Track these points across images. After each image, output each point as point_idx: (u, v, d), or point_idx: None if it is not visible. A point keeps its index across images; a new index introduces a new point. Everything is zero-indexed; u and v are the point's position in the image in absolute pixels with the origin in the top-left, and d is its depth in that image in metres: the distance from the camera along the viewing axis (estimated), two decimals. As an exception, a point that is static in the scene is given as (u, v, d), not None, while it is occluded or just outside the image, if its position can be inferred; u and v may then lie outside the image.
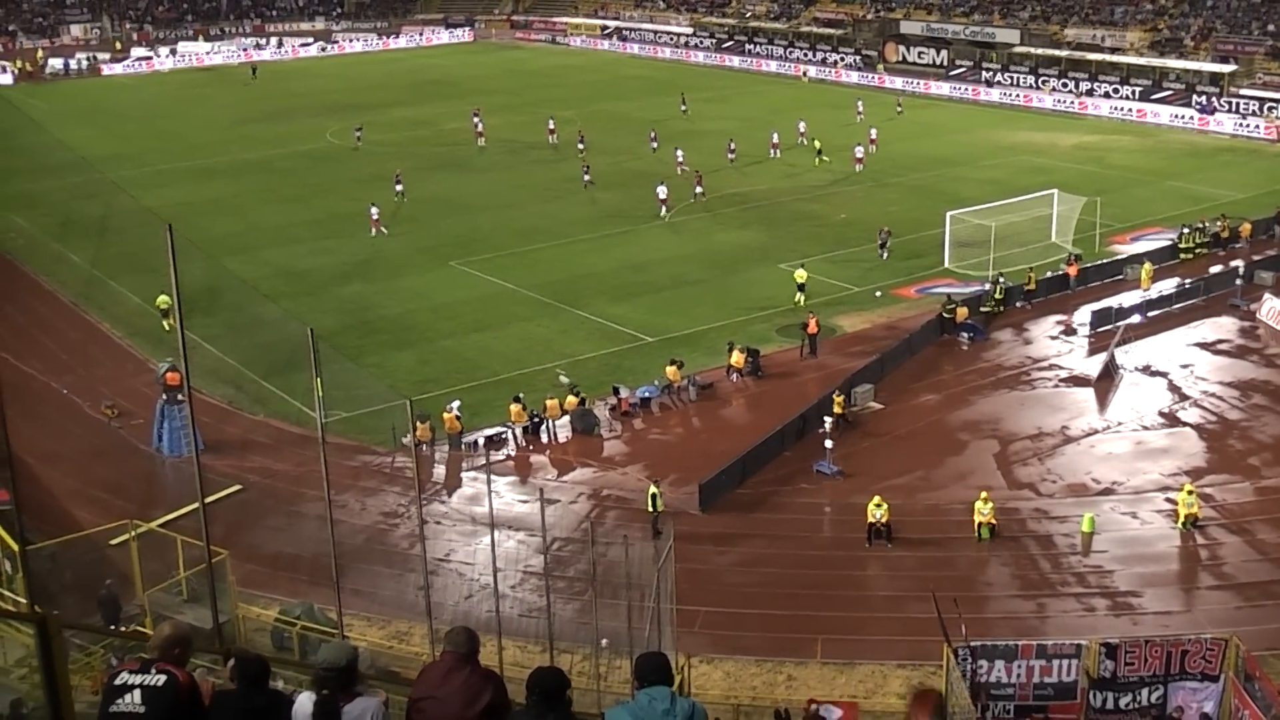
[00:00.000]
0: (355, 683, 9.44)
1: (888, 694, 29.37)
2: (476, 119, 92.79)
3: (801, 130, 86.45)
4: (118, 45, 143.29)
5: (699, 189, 71.95)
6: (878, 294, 55.60)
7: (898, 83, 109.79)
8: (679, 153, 79.85)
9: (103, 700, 8.72)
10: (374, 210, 66.82)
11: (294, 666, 21.88)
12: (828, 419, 40.79)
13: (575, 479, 41.58)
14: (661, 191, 69.15)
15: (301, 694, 9.52)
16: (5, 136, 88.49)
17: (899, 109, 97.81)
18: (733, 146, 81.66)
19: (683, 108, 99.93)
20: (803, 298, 54.26)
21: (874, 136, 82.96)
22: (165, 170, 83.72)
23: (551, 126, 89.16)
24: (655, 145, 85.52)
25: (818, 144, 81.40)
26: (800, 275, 54.91)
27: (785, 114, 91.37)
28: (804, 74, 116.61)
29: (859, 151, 79.17)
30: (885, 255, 59.39)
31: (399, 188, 74.23)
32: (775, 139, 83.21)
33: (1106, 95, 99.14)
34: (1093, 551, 35.69)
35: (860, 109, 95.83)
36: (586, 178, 76.07)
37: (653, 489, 37.42)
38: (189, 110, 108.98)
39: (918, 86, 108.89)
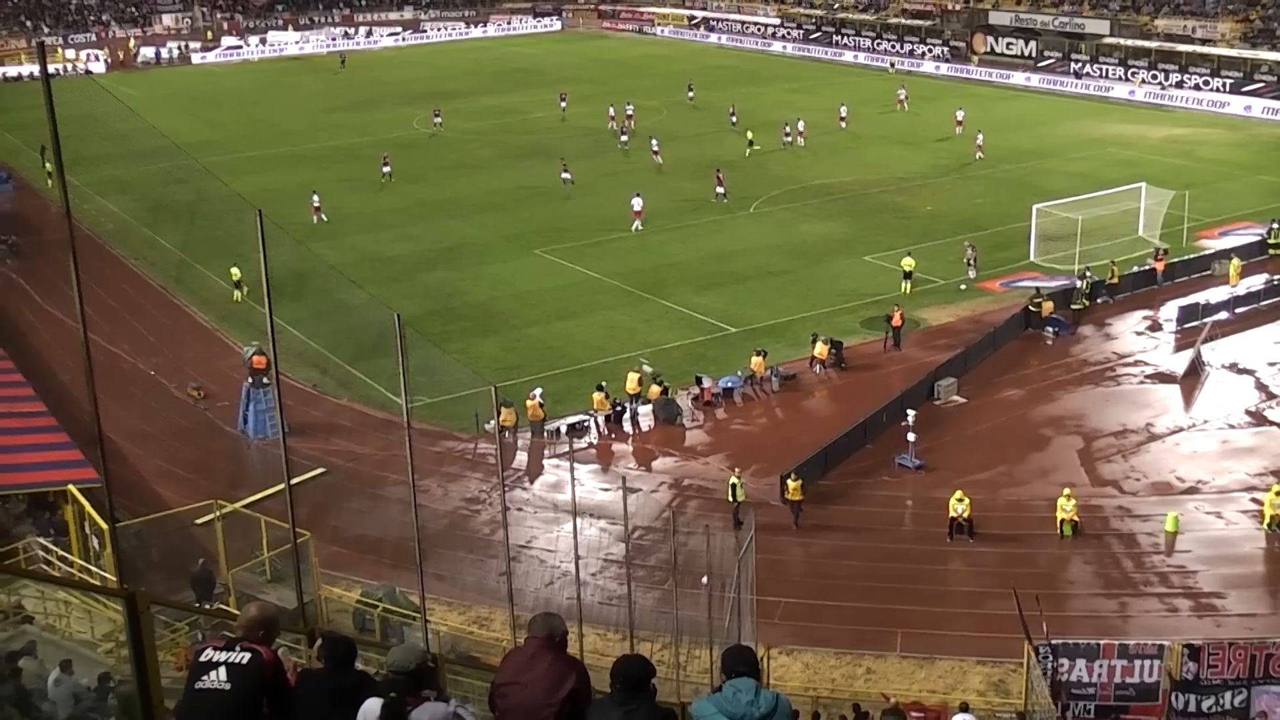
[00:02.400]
0: (424, 686, 9.48)
1: (968, 690, 29.20)
2: (563, 103, 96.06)
3: (843, 114, 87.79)
4: (208, 35, 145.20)
5: (720, 189, 69.45)
6: (962, 287, 55.18)
7: (992, 75, 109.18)
8: (653, 141, 79.79)
9: (189, 676, 8.87)
10: (315, 198, 68.07)
11: (375, 648, 22.11)
12: (910, 412, 40.60)
13: (657, 468, 41.73)
14: (636, 204, 65.27)
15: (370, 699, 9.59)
16: (97, 123, 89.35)
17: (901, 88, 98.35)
18: (787, 130, 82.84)
19: (689, 95, 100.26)
20: (908, 285, 54.18)
21: (960, 118, 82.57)
22: (254, 157, 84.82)
23: (630, 111, 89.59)
24: (735, 120, 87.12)
25: (749, 134, 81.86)
26: (908, 263, 54.78)
27: (868, 105, 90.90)
28: (890, 65, 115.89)
29: (979, 139, 78.59)
30: (974, 275, 56.30)
31: (386, 169, 76.31)
32: (801, 126, 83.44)
33: (1197, 87, 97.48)
34: (1176, 551, 35.29)
35: (901, 96, 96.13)
36: (566, 175, 73.80)
37: (734, 479, 37.46)
38: (278, 98, 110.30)
39: (1005, 77, 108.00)
